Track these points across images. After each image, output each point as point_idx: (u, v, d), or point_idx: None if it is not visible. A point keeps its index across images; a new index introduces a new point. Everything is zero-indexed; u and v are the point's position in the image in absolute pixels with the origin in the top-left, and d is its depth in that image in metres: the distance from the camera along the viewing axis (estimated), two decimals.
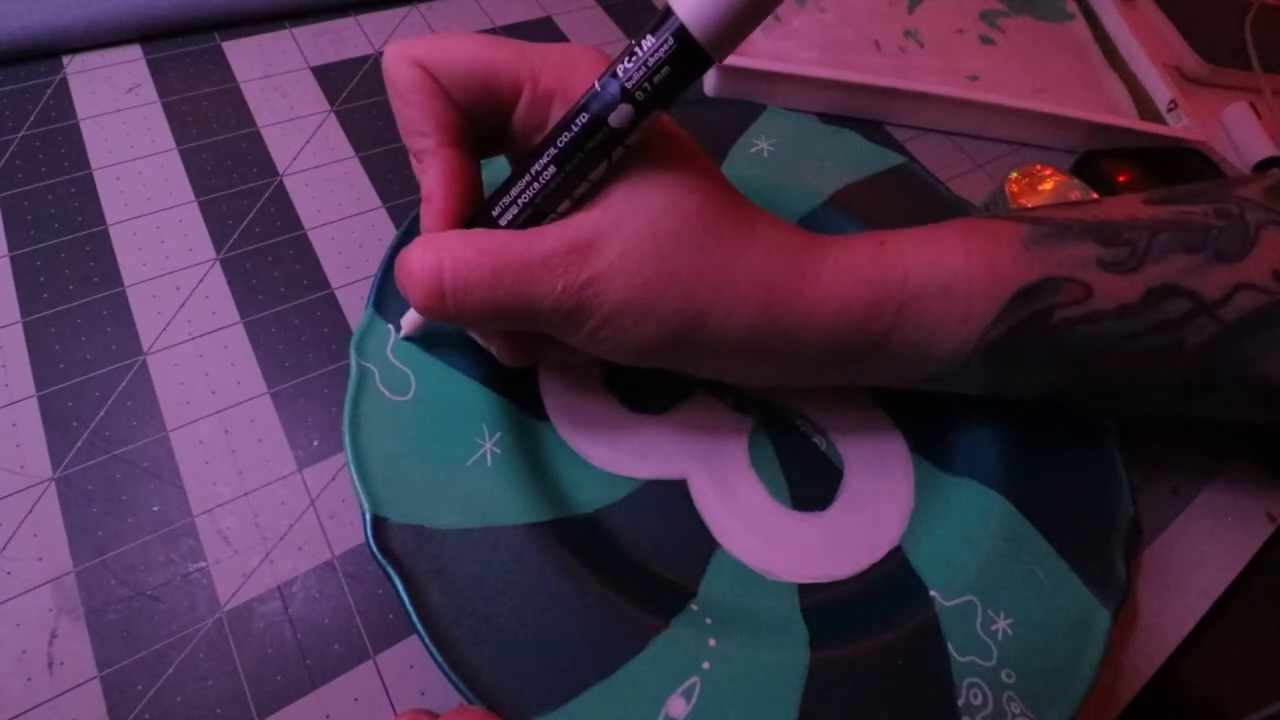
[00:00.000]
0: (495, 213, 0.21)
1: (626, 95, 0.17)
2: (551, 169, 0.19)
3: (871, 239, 0.22)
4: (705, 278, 0.20)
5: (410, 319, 0.25)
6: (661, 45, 0.17)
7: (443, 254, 0.20)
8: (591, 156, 0.19)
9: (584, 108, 0.18)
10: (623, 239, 0.19)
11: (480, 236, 0.20)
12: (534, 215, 0.20)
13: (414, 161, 0.22)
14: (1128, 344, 0.21)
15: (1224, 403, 0.24)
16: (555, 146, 0.19)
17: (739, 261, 0.20)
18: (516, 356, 0.24)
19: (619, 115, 0.18)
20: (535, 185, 0.20)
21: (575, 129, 0.18)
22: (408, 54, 0.20)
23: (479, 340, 0.25)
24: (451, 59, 0.20)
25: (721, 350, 0.21)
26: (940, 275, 0.21)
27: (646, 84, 0.17)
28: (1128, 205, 0.23)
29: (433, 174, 0.21)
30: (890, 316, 0.21)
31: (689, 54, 0.17)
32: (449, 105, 0.20)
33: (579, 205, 0.20)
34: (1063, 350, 0.22)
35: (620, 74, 0.17)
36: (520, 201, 0.20)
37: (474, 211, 0.22)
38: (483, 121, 0.21)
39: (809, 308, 0.21)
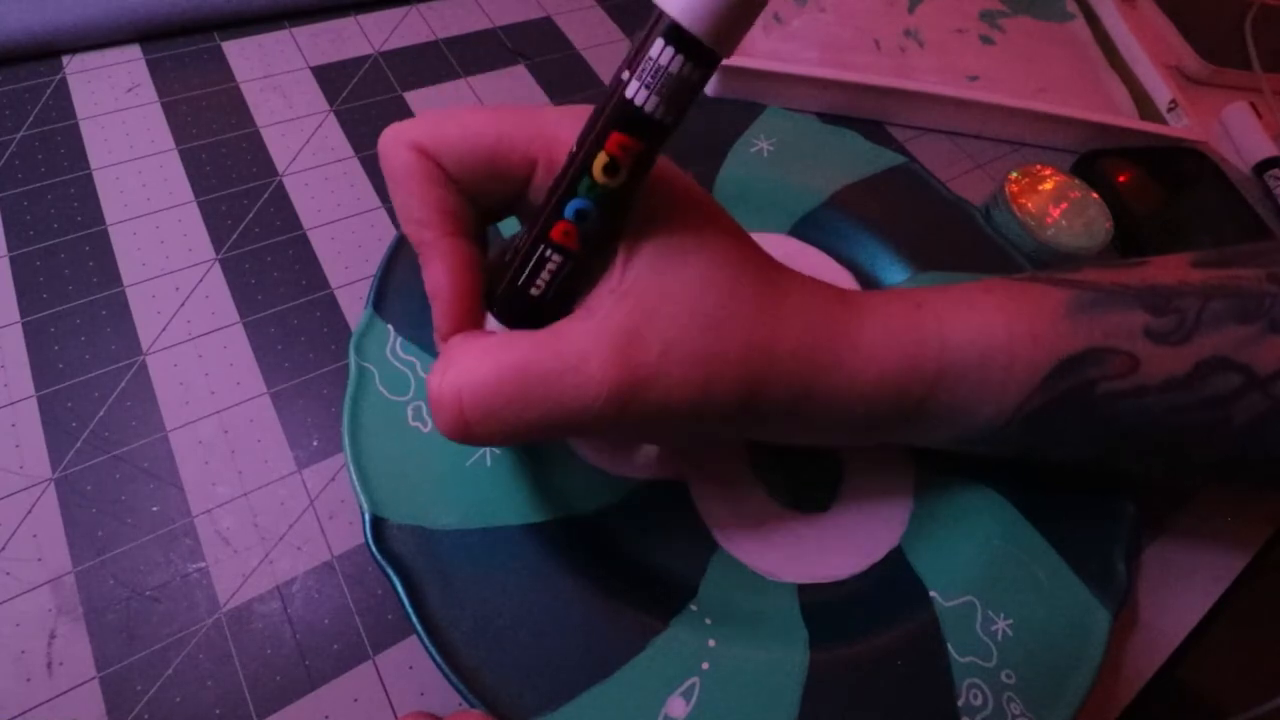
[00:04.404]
0: (521, 281, 0.19)
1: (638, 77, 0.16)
2: (583, 202, 0.17)
3: (908, 300, 0.21)
4: (752, 359, 0.19)
5: None
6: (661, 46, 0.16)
7: (460, 379, 0.18)
8: (637, 149, 0.17)
9: (611, 95, 0.16)
10: (663, 330, 0.18)
11: (500, 350, 0.18)
12: (575, 270, 0.18)
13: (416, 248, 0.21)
14: (1173, 419, 0.20)
15: (1266, 478, 0.23)
16: (585, 138, 0.17)
17: (780, 336, 0.19)
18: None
19: (638, 92, 0.16)
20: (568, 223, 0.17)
21: (610, 111, 0.16)
22: (404, 138, 0.19)
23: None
24: (454, 139, 0.19)
25: (764, 423, 0.20)
26: (979, 343, 0.20)
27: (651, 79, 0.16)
28: (1177, 268, 0.22)
29: (438, 269, 0.19)
30: (927, 385, 0.20)
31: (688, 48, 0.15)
32: (449, 192, 0.19)
33: (620, 244, 0.18)
34: (1104, 423, 0.21)
35: (625, 75, 0.16)
36: (552, 262, 0.18)
37: (490, 287, 0.20)
38: (492, 195, 0.20)
39: (847, 377, 0.20)
